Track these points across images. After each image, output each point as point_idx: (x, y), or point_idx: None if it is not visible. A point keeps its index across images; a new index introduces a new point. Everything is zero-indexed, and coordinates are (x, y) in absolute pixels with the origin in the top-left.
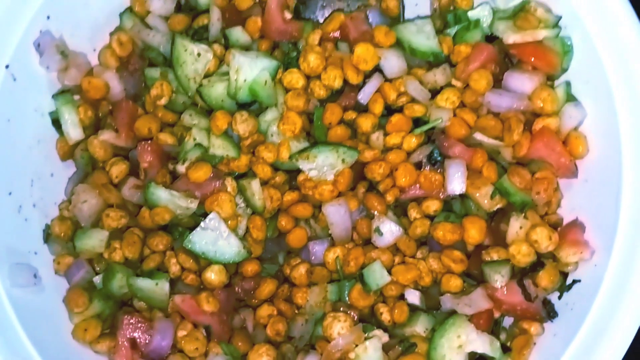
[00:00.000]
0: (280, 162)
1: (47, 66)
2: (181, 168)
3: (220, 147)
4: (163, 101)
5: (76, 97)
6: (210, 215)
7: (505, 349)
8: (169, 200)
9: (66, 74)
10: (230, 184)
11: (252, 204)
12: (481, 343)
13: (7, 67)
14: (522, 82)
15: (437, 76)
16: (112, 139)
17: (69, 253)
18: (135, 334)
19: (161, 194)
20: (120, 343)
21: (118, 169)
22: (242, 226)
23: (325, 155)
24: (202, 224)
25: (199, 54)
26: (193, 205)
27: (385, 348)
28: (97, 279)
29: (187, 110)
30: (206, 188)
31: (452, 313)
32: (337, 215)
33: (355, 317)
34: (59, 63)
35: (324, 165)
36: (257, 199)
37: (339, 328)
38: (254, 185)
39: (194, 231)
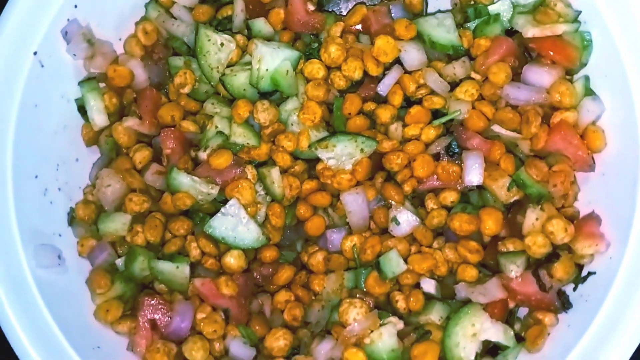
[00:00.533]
0: (299, 151)
1: (74, 54)
2: (203, 155)
3: (241, 136)
4: (186, 89)
5: (102, 84)
6: (231, 202)
7: (520, 339)
8: (191, 186)
9: (92, 62)
10: (250, 171)
11: (271, 191)
12: (495, 332)
13: (35, 53)
14: (540, 75)
15: (457, 69)
16: (136, 125)
17: (92, 236)
18: (156, 316)
19: (183, 180)
20: (140, 324)
21: (141, 155)
22: (262, 213)
23: (344, 144)
24: (222, 209)
25: (222, 44)
26: (214, 191)
27: (400, 335)
28: (119, 262)
29: (210, 98)
30: (227, 175)
31: (467, 302)
32: (354, 204)
33: (371, 304)
34: (85, 51)
35: (343, 155)
36: (277, 187)
37: (354, 314)
38: (274, 174)
39: (214, 217)
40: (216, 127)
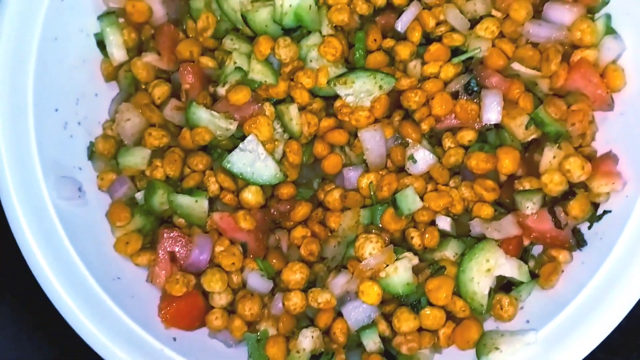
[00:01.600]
0: (318, 88)
1: None
2: (221, 90)
3: (259, 73)
4: (209, 33)
5: (120, 19)
6: (249, 138)
7: (533, 276)
8: (209, 121)
9: None
10: (268, 108)
11: (289, 129)
12: (509, 267)
13: None
14: (562, 13)
15: (477, 5)
16: (155, 61)
17: (112, 170)
18: (175, 248)
19: (202, 114)
20: (160, 256)
21: (160, 90)
22: (279, 150)
23: (362, 80)
24: (240, 145)
25: None
26: (232, 126)
27: (415, 270)
28: (139, 195)
29: (229, 34)
30: (245, 111)
31: (482, 239)
32: (372, 141)
33: (387, 240)
34: None
35: (361, 92)
36: (295, 124)
37: (370, 248)
38: (292, 110)
39: (232, 152)
40: (235, 62)
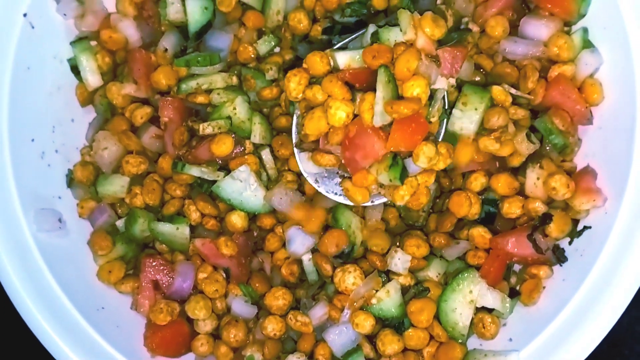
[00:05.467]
0: None
1: (64, 13)
2: (202, 128)
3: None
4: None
5: (93, 42)
6: (242, 168)
7: (515, 293)
8: (198, 172)
9: (83, 21)
10: (248, 146)
11: (266, 171)
12: (492, 299)
13: (25, 15)
14: (538, 28)
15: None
16: (134, 91)
17: (92, 197)
18: (158, 276)
19: (193, 171)
20: (143, 285)
21: (143, 111)
22: (264, 180)
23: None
24: (233, 173)
25: None
26: (220, 177)
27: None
28: (120, 223)
29: (215, 90)
30: (229, 154)
31: (463, 258)
32: None
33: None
34: (75, 10)
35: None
36: (269, 168)
37: (351, 279)
38: (265, 155)
39: (224, 179)
40: (234, 108)
